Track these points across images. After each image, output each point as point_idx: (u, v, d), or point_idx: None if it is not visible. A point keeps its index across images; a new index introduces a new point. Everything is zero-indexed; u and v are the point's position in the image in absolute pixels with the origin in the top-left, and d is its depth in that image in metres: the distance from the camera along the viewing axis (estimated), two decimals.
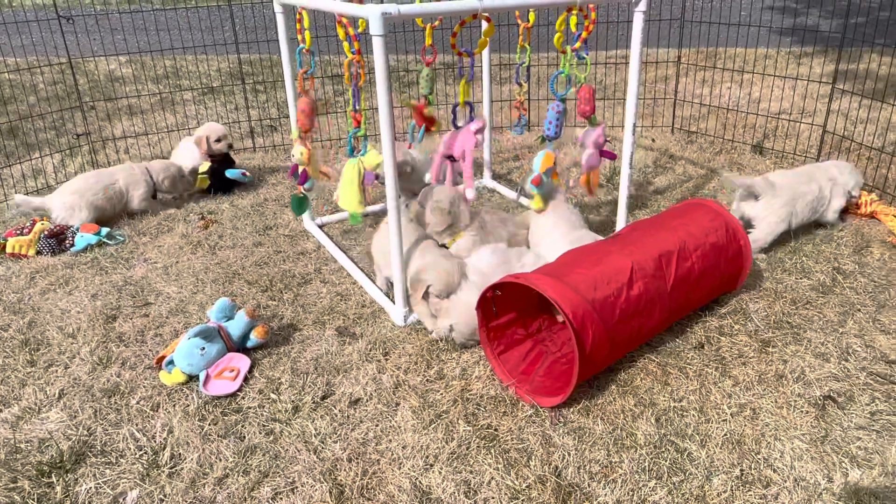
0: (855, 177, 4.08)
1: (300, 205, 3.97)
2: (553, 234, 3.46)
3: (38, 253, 4.09)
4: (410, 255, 3.29)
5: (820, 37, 9.03)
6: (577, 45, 3.41)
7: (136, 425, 2.68)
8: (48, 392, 2.89)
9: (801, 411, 2.66)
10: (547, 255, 3.29)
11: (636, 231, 3.13)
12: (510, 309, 3.02)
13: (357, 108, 3.35)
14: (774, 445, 2.49)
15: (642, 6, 3.34)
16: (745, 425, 2.59)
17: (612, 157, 3.72)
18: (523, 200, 4.63)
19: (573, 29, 3.38)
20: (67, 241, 4.14)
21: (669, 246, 2.98)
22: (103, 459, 2.52)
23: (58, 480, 2.43)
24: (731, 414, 2.65)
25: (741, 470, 2.39)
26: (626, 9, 3.51)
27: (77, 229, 4.18)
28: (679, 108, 6.27)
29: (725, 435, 2.55)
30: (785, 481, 2.34)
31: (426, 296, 3.08)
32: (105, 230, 4.22)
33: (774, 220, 3.76)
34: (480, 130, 3.47)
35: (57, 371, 3.03)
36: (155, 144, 5.86)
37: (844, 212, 4.17)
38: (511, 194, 4.75)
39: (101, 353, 3.14)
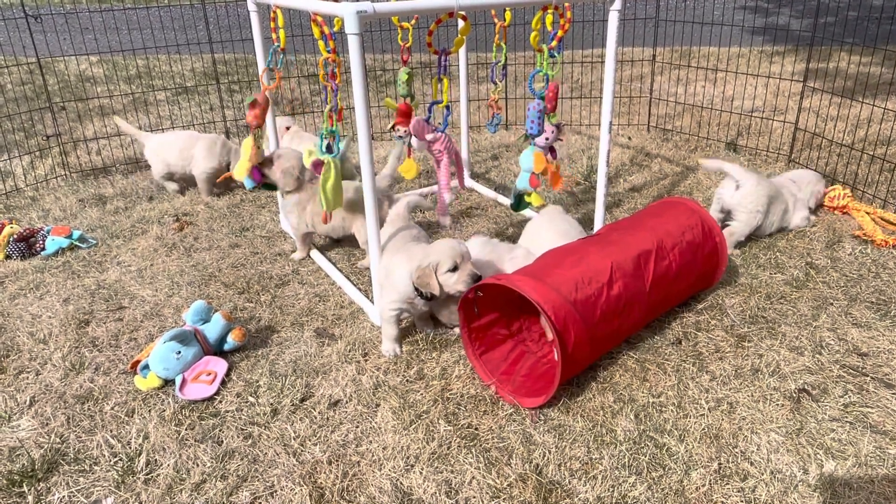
0: (812, 188, 4.16)
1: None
2: (545, 244, 3.39)
3: (8, 257, 4.00)
4: (398, 259, 3.09)
5: (791, 36, 9.19)
6: (553, 43, 3.42)
7: (111, 431, 2.63)
8: (19, 399, 2.82)
9: (777, 404, 2.70)
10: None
11: (615, 231, 3.15)
12: (492, 309, 3.02)
13: (328, 107, 3.32)
14: (751, 439, 2.53)
15: (617, 5, 3.36)
16: (723, 419, 2.62)
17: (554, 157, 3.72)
18: (501, 199, 4.64)
19: (549, 28, 3.39)
20: (38, 245, 4.05)
21: (648, 245, 3.00)
22: (77, 467, 2.47)
23: (29, 490, 2.37)
24: (708, 408, 2.68)
25: (719, 464, 2.42)
26: (602, 8, 3.52)
27: (48, 232, 4.10)
28: (654, 107, 6.33)
29: (703, 429, 2.57)
30: (762, 474, 2.37)
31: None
32: (77, 233, 4.14)
33: (753, 207, 3.80)
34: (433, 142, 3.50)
35: (28, 378, 2.96)
36: (128, 146, 5.77)
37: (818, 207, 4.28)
38: (489, 193, 4.75)
39: (74, 358, 3.07)
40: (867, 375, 2.84)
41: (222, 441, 2.57)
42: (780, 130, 5.67)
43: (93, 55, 7.83)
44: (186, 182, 4.99)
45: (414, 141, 3.48)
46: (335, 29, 3.53)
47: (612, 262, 2.84)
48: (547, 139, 3.62)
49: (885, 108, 5.14)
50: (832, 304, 3.35)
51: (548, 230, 3.42)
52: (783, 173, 4.36)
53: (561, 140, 3.71)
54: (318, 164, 3.37)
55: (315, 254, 3.96)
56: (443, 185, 3.55)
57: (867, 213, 4.15)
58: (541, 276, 2.73)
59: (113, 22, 10.06)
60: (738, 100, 6.63)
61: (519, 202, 3.79)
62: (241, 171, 3.66)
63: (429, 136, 3.44)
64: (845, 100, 5.97)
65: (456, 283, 2.86)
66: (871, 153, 4.90)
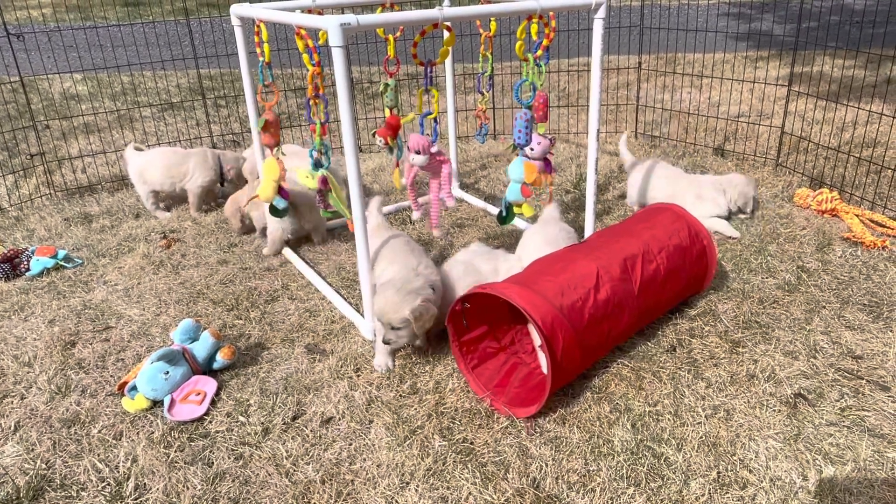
0: (737, 191, 4.25)
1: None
2: (533, 251, 3.39)
3: None
4: (390, 271, 3.12)
5: (774, 41, 9.27)
6: (539, 52, 3.42)
7: (98, 455, 2.57)
8: (3, 425, 2.76)
9: (774, 410, 2.68)
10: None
11: (601, 238, 3.16)
12: (482, 322, 2.99)
13: (312, 120, 3.31)
14: (749, 446, 2.50)
15: (602, 13, 3.36)
16: (720, 427, 2.60)
17: (550, 170, 3.70)
18: (491, 209, 4.62)
19: (534, 37, 3.39)
20: (22, 266, 3.99)
21: (634, 249, 3.01)
22: (63, 493, 2.41)
23: None
24: (705, 416, 2.66)
25: (718, 472, 2.39)
26: (587, 16, 3.53)
27: (32, 253, 4.03)
28: (641, 114, 6.35)
29: (701, 437, 2.55)
30: (761, 482, 2.35)
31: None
32: (62, 253, 4.08)
33: (633, 186, 4.55)
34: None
35: (12, 402, 2.90)
36: (113, 163, 5.71)
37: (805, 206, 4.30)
38: (479, 203, 4.73)
39: (60, 381, 3.01)
40: (862, 378, 2.83)
41: (213, 462, 2.52)
42: (766, 135, 5.70)
43: (77, 73, 7.77)
44: (172, 200, 4.94)
45: (419, 158, 3.43)
46: (320, 42, 3.52)
47: (598, 267, 2.83)
48: (532, 150, 3.61)
49: (869, 111, 5.17)
50: (825, 307, 3.34)
51: (536, 238, 3.41)
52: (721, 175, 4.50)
53: (551, 153, 3.70)
54: (324, 181, 3.38)
55: (304, 268, 3.91)
56: (445, 192, 3.54)
57: (856, 215, 4.17)
58: (526, 283, 2.72)
59: (97, 39, 10.00)
60: (724, 105, 6.66)
61: (507, 214, 3.77)
62: (267, 191, 3.66)
63: (433, 149, 3.42)
64: (830, 103, 6.01)
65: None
66: (858, 156, 4.93)
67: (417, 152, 3.40)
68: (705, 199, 4.25)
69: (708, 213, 4.21)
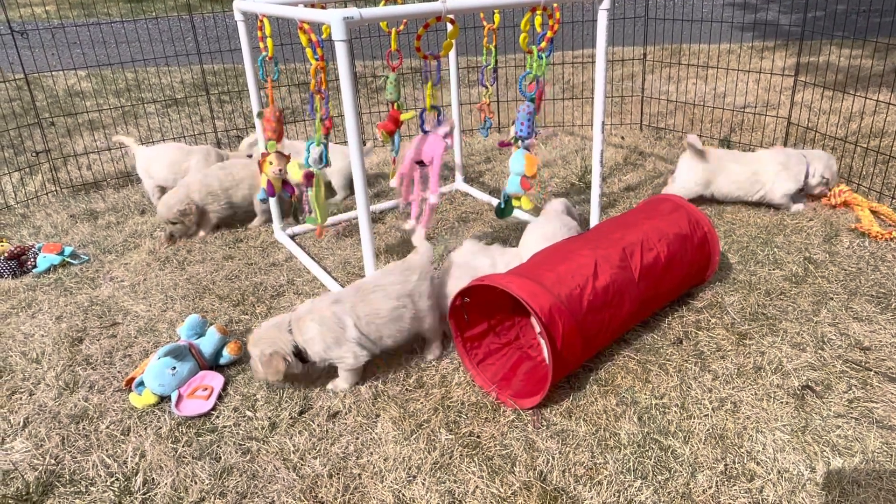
0: (822, 164, 4.21)
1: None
2: (532, 246, 3.38)
3: None
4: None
5: (780, 31, 9.20)
6: (543, 45, 3.40)
7: (107, 451, 2.59)
8: (12, 421, 2.77)
9: (781, 402, 2.67)
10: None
11: (600, 229, 3.18)
12: (483, 317, 3.00)
13: (313, 116, 3.31)
14: (757, 438, 2.49)
15: (606, 4, 3.34)
16: (727, 419, 2.59)
17: None
18: (496, 202, 4.61)
19: (538, 29, 3.37)
20: (29, 263, 4.00)
21: (632, 238, 3.02)
22: (72, 489, 2.42)
23: None
24: (712, 409, 2.65)
25: (725, 465, 2.39)
26: (591, 7, 3.51)
27: (39, 250, 4.05)
28: (647, 105, 6.32)
29: (708, 430, 2.54)
30: (769, 474, 2.34)
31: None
32: (69, 250, 4.09)
33: (688, 178, 4.29)
34: (449, 134, 3.43)
35: (21, 398, 2.91)
36: (118, 160, 5.72)
37: (815, 198, 4.31)
38: (483, 197, 4.73)
39: (68, 377, 3.03)
40: (870, 370, 2.82)
41: (220, 457, 2.53)
42: (773, 125, 5.66)
43: (81, 69, 7.77)
44: None
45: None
46: (323, 36, 3.51)
47: (597, 255, 2.85)
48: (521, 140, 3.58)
49: (877, 100, 5.13)
50: (832, 298, 3.33)
51: (535, 233, 3.40)
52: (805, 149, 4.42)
53: (534, 141, 3.68)
54: (309, 176, 3.35)
55: (310, 262, 3.92)
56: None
57: (869, 208, 4.10)
58: (523, 274, 2.73)
59: (101, 36, 10.01)
60: (730, 96, 6.62)
61: (505, 207, 3.76)
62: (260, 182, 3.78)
63: (441, 131, 3.41)
64: (837, 93, 5.97)
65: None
66: (865, 146, 4.89)
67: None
68: (791, 168, 4.17)
69: (789, 188, 4.16)
